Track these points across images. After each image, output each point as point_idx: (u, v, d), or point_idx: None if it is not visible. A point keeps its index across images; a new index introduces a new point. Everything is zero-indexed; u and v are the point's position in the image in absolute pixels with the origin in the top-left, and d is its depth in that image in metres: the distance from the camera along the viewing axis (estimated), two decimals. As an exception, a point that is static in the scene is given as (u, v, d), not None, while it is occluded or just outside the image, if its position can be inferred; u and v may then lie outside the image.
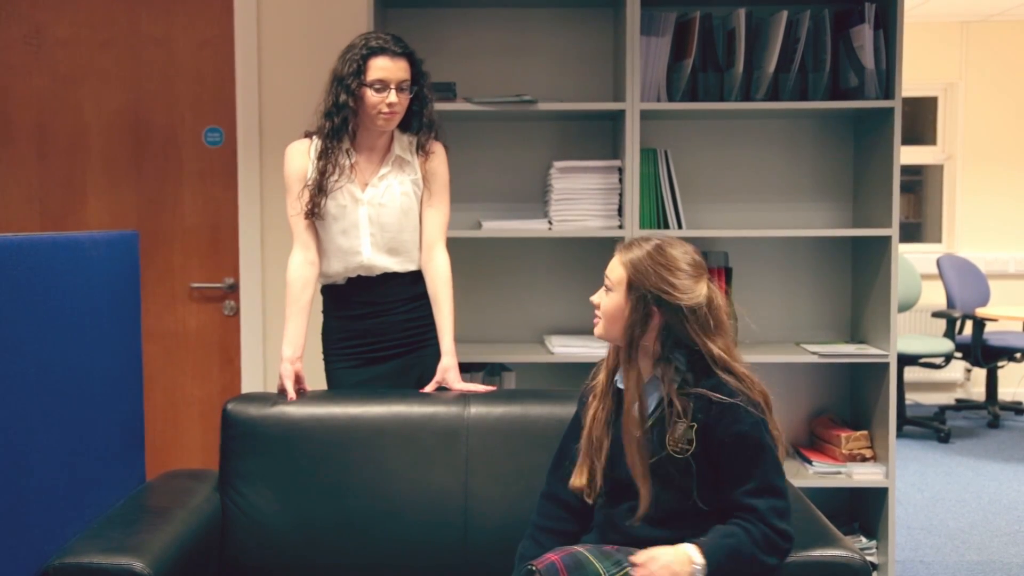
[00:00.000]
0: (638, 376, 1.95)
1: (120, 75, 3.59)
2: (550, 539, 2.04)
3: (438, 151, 2.67)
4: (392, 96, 2.53)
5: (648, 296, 1.92)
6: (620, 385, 2.00)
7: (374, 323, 2.67)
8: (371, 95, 2.53)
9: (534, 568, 1.83)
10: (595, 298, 2.03)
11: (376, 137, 2.63)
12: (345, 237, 2.61)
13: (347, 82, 2.52)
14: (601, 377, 2.05)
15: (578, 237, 3.37)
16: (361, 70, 2.52)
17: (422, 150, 2.64)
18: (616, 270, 1.98)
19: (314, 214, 2.59)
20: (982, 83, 6.77)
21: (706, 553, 1.81)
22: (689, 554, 1.81)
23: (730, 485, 1.89)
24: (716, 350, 1.92)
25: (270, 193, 3.55)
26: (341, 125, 2.55)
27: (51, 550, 2.00)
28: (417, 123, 2.65)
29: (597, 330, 2.02)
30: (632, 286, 1.94)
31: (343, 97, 2.53)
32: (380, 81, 2.52)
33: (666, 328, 1.93)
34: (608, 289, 1.99)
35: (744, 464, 1.88)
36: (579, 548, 1.89)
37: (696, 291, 1.91)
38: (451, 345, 2.62)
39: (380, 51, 2.53)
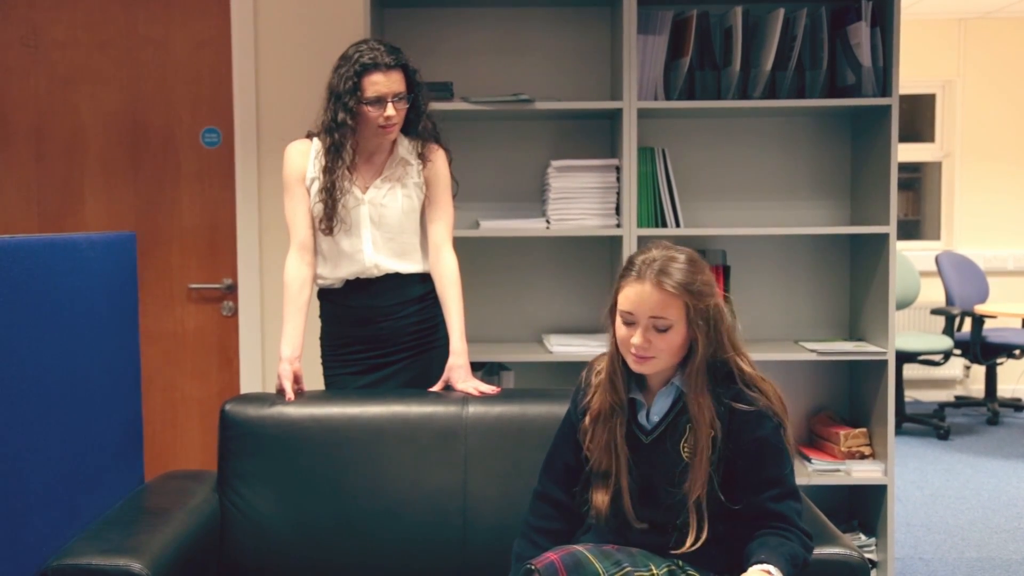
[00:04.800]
0: (711, 411, 1.86)
1: (117, 76, 3.59)
2: (544, 538, 2.03)
3: (437, 157, 2.68)
4: (389, 110, 2.54)
5: (708, 313, 1.84)
6: (632, 395, 1.96)
7: (377, 329, 2.66)
8: (369, 111, 2.54)
9: (533, 567, 1.82)
10: (638, 340, 1.85)
11: (378, 142, 2.64)
12: (347, 238, 2.61)
13: (344, 100, 2.53)
14: (608, 393, 1.95)
15: (576, 236, 3.37)
16: (357, 87, 2.52)
17: (422, 158, 2.66)
18: (670, 306, 1.83)
19: (332, 230, 2.59)
20: (980, 80, 6.77)
21: (783, 569, 1.78)
22: (772, 573, 1.77)
23: (753, 490, 1.88)
24: (741, 348, 1.90)
25: (268, 194, 3.55)
26: (342, 141, 2.57)
27: (49, 551, 2.00)
28: (414, 131, 2.66)
29: (648, 368, 1.88)
30: (695, 312, 1.83)
31: (341, 116, 2.54)
32: (376, 97, 2.53)
33: (709, 339, 1.87)
34: (663, 329, 1.84)
35: (767, 469, 1.88)
36: (578, 547, 1.88)
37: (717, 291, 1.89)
38: (459, 344, 2.61)
39: (373, 67, 2.52)
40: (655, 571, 1.86)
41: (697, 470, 1.86)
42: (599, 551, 1.87)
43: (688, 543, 1.87)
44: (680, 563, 1.89)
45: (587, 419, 1.99)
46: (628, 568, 1.84)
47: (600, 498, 1.95)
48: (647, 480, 1.93)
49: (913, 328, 6.67)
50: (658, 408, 1.95)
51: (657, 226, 3.24)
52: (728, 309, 1.91)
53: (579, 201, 3.23)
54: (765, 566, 1.77)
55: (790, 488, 1.90)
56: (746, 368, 1.90)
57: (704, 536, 1.87)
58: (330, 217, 2.58)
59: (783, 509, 1.88)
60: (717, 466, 1.88)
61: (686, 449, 1.89)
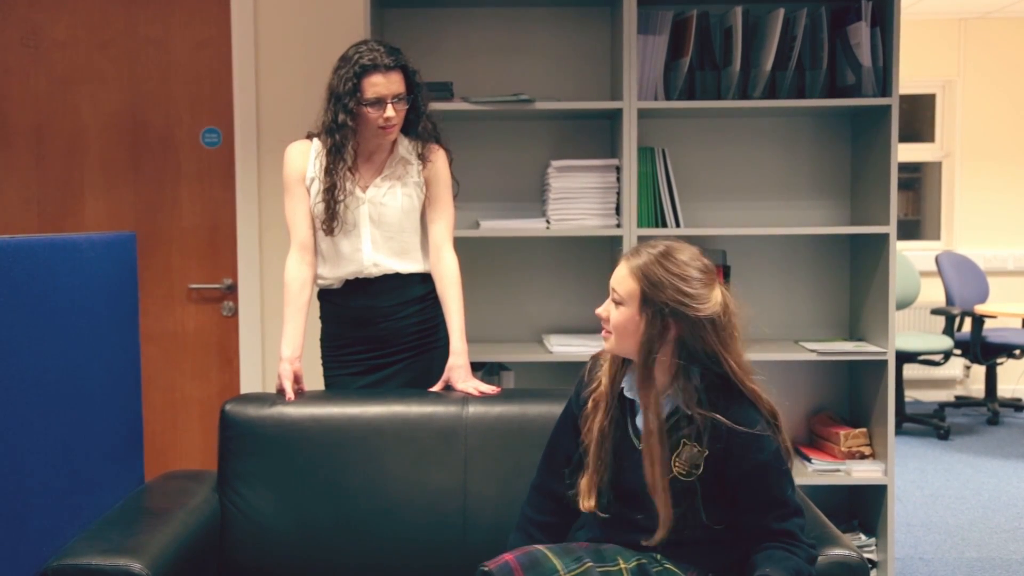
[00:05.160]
0: (655, 394, 1.87)
1: (117, 76, 3.59)
2: (540, 532, 2.04)
3: (437, 157, 2.68)
4: (389, 111, 2.54)
5: (664, 309, 1.84)
6: (628, 395, 1.96)
7: (377, 329, 2.66)
8: (369, 112, 2.54)
9: (486, 569, 1.81)
10: (602, 311, 1.94)
11: (378, 143, 2.64)
12: (346, 238, 2.61)
13: (344, 101, 2.53)
14: (604, 383, 1.98)
15: (576, 236, 3.37)
16: (357, 89, 2.53)
17: (422, 158, 2.66)
18: (626, 283, 1.88)
19: (332, 231, 2.59)
20: (980, 80, 6.77)
21: None
22: None
23: (755, 513, 1.88)
24: (733, 363, 1.86)
25: (268, 194, 3.55)
26: (342, 142, 2.57)
27: (49, 551, 2.00)
28: (414, 132, 2.66)
29: (608, 346, 1.94)
30: (646, 299, 1.85)
31: (341, 117, 2.54)
32: (376, 98, 2.53)
33: (681, 341, 1.86)
34: (618, 303, 1.90)
35: (769, 492, 1.87)
36: (538, 547, 1.88)
37: (712, 299, 1.85)
38: (459, 344, 2.61)
39: (373, 68, 2.52)
40: (623, 565, 1.84)
41: (647, 457, 1.87)
42: (561, 549, 1.86)
43: (658, 535, 1.86)
44: (657, 556, 1.88)
45: (589, 405, 2.00)
46: (589, 564, 1.82)
47: (586, 483, 1.97)
48: (634, 485, 1.92)
49: (913, 328, 6.67)
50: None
51: (657, 226, 3.24)
52: (725, 325, 1.87)
53: (579, 201, 3.23)
54: None
55: (794, 507, 1.89)
56: (734, 364, 1.87)
57: (668, 524, 1.85)
58: (331, 217, 2.58)
59: (788, 527, 1.87)
60: (708, 482, 1.87)
61: (677, 464, 1.87)
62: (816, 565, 1.93)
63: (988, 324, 6.02)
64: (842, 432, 3.33)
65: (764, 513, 1.87)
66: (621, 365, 1.98)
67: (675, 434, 1.88)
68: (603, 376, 1.99)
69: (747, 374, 1.89)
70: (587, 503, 1.95)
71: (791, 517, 1.88)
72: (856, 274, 3.47)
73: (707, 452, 1.85)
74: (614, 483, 1.95)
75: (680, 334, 1.85)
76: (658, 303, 1.84)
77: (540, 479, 2.11)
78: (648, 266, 1.86)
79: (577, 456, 2.03)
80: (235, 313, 3.63)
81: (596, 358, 2.06)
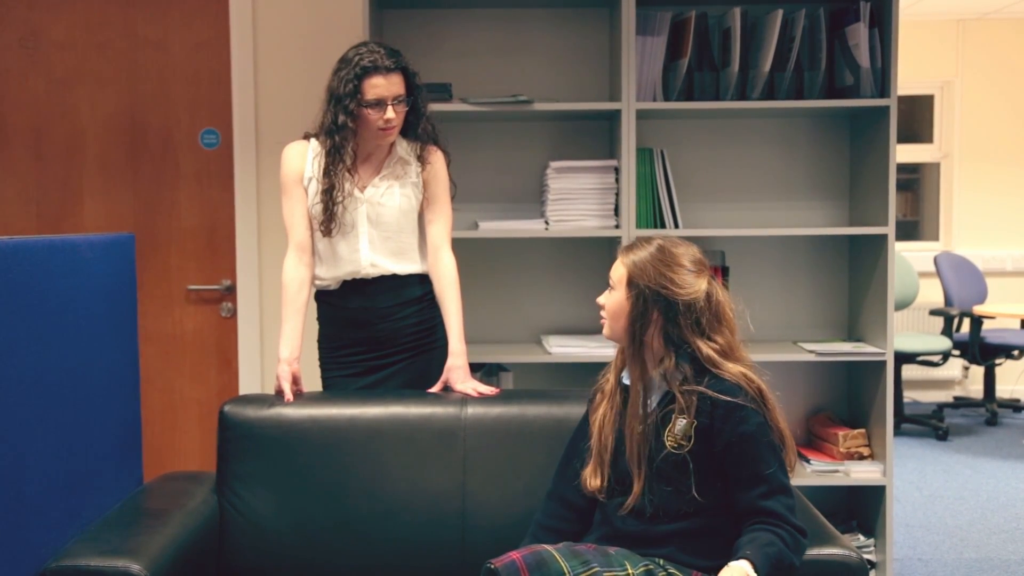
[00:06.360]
0: (641, 370, 1.97)
1: (116, 77, 3.59)
2: (552, 538, 2.04)
3: (436, 159, 2.68)
4: (389, 112, 2.54)
5: (647, 291, 1.94)
6: (626, 382, 2.02)
7: (375, 330, 2.66)
8: (369, 113, 2.54)
9: (492, 566, 1.82)
10: (601, 299, 2.05)
11: (377, 144, 2.64)
12: (344, 239, 2.61)
13: (344, 103, 2.53)
14: (610, 377, 2.08)
15: (575, 237, 3.37)
16: (357, 90, 2.52)
17: (421, 160, 2.66)
18: (618, 269, 2.01)
19: (330, 232, 2.59)
20: (978, 81, 6.78)
21: (758, 568, 1.79)
22: (745, 570, 1.79)
23: (741, 488, 1.90)
24: (706, 349, 1.93)
25: (267, 195, 3.55)
26: (342, 144, 2.57)
27: (48, 553, 2.00)
28: (413, 133, 2.66)
29: (604, 331, 2.05)
30: (632, 282, 1.97)
31: (342, 118, 2.54)
32: (376, 100, 2.53)
33: (666, 325, 1.95)
34: (611, 289, 2.02)
35: (753, 466, 1.89)
36: (546, 547, 1.89)
37: (695, 286, 1.94)
38: (458, 345, 2.62)
39: (373, 70, 2.52)
40: (631, 571, 1.85)
41: (631, 406, 1.97)
42: (569, 551, 1.87)
43: (630, 501, 1.94)
44: (661, 562, 1.90)
45: (596, 398, 2.09)
46: (596, 568, 1.83)
47: (590, 468, 2.04)
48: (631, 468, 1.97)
49: (912, 329, 6.67)
50: (653, 399, 1.99)
51: (656, 227, 3.24)
52: (705, 312, 1.94)
53: (578, 202, 3.23)
54: (741, 563, 1.79)
55: (779, 484, 1.90)
56: (705, 350, 1.93)
57: (641, 487, 1.93)
58: (329, 219, 2.58)
59: (773, 506, 1.88)
60: (699, 458, 1.91)
61: (669, 438, 1.92)
62: (814, 560, 1.94)
63: (987, 325, 6.02)
64: (841, 433, 3.33)
65: (749, 489, 1.89)
66: (624, 360, 2.05)
67: (670, 409, 1.94)
68: (611, 372, 2.09)
69: (726, 360, 1.94)
70: (593, 482, 2.02)
71: (777, 495, 1.89)
72: (855, 275, 3.48)
73: (695, 423, 1.90)
74: (613, 465, 2.00)
75: (664, 318, 1.94)
76: (641, 285, 1.95)
77: (554, 486, 2.14)
78: (639, 253, 1.99)
79: (586, 449, 2.07)
80: (234, 314, 3.63)
81: (607, 366, 2.14)
